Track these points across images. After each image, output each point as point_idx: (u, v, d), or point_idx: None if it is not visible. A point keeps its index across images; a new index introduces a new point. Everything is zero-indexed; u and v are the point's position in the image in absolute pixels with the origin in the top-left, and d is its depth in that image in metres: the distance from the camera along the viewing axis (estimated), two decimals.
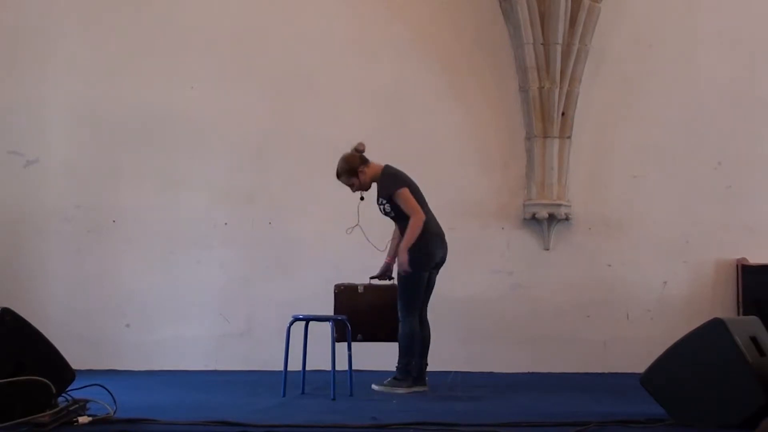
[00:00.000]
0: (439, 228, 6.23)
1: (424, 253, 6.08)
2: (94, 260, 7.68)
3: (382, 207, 6.20)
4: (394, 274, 6.32)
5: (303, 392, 5.97)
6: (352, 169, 6.17)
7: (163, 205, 7.69)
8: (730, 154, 7.80)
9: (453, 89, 7.80)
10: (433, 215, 6.24)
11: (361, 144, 6.22)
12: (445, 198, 7.70)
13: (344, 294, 6.25)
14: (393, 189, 6.09)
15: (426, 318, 6.27)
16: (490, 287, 7.67)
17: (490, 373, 7.42)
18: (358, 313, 6.20)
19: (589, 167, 7.78)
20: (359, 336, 6.18)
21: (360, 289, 6.29)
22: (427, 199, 7.69)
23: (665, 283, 7.73)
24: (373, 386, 6.14)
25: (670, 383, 4.65)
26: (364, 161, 6.20)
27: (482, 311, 7.63)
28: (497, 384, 6.72)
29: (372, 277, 6.35)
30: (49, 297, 7.59)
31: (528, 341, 7.63)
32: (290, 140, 7.74)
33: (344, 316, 6.03)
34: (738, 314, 7.44)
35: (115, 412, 4.53)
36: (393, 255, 6.35)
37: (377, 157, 7.61)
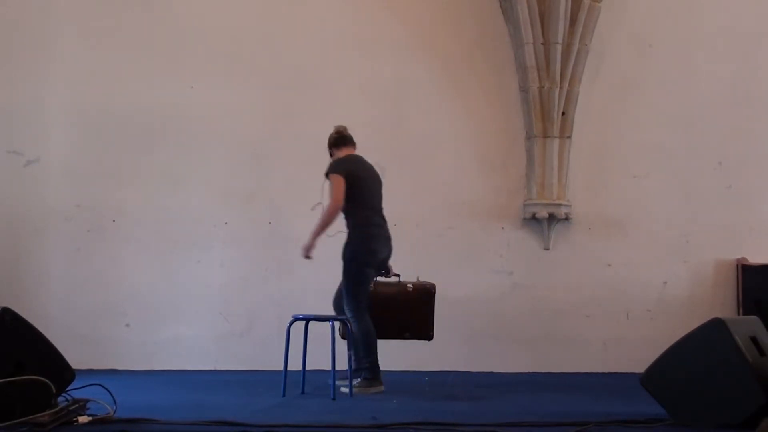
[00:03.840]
0: (382, 229, 6.18)
1: (366, 249, 6.05)
2: (94, 260, 7.67)
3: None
4: (398, 271, 6.35)
5: (303, 392, 5.96)
6: (328, 146, 6.32)
7: (163, 205, 7.69)
8: (730, 154, 7.80)
9: (453, 89, 7.80)
10: (381, 217, 6.20)
11: (338, 126, 6.32)
12: (445, 198, 7.74)
13: None
14: (330, 171, 6.09)
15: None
16: (490, 287, 7.67)
17: (490, 373, 7.43)
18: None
19: (589, 167, 7.78)
20: None
21: (370, 286, 6.27)
22: (426, 199, 7.71)
23: (665, 283, 7.73)
24: (343, 389, 5.95)
25: (670, 383, 4.65)
26: (337, 144, 6.27)
27: (482, 311, 7.63)
28: (497, 384, 6.71)
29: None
30: (49, 297, 7.59)
31: (528, 341, 7.63)
32: (290, 140, 7.74)
33: (345, 317, 6.03)
34: (738, 314, 7.45)
35: (114, 412, 4.53)
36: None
37: (376, 156, 7.63)
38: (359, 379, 6.02)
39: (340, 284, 6.19)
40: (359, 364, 6.04)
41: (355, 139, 6.36)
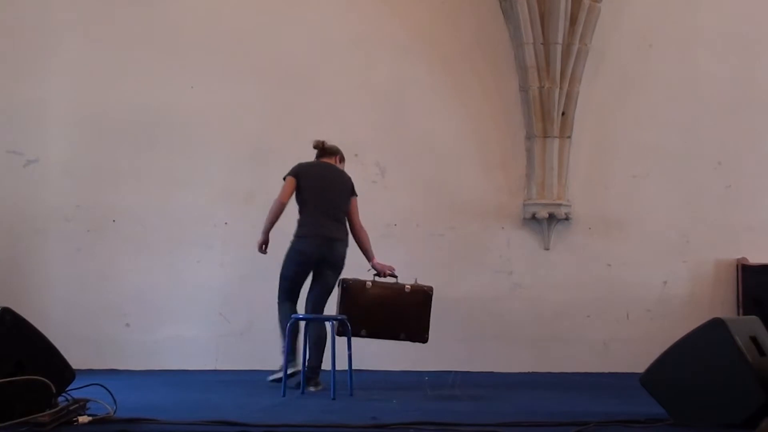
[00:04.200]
0: (321, 229, 6.22)
1: (294, 248, 6.25)
2: (94, 260, 7.67)
3: None
4: (398, 270, 6.36)
5: (303, 392, 5.96)
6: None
7: (163, 205, 7.69)
8: (730, 154, 7.81)
9: (453, 89, 7.80)
10: (328, 218, 6.26)
11: (315, 141, 6.55)
12: (445, 198, 7.74)
13: (352, 289, 6.22)
14: (286, 174, 6.35)
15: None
16: (490, 287, 7.67)
17: (491, 373, 7.42)
18: (364, 309, 6.17)
19: (589, 167, 7.79)
20: (363, 332, 6.16)
21: (368, 285, 6.28)
22: (426, 199, 7.71)
23: (665, 283, 7.73)
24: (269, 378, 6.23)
25: (670, 383, 4.65)
26: (317, 157, 6.54)
27: (482, 311, 7.63)
28: (497, 384, 6.71)
29: (375, 274, 6.35)
30: (49, 297, 7.58)
31: (528, 341, 7.63)
32: (290, 140, 7.72)
33: (344, 316, 6.02)
34: (738, 314, 7.45)
35: (115, 412, 4.53)
36: (371, 255, 6.37)
37: (376, 156, 7.64)
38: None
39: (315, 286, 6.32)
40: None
41: (339, 148, 6.53)
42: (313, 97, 7.75)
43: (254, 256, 7.67)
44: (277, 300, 6.29)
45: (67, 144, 7.75)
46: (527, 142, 7.73)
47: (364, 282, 6.27)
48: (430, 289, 6.32)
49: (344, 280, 6.25)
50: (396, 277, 6.34)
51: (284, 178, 6.31)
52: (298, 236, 6.26)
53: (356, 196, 6.37)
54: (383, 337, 6.29)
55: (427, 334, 6.31)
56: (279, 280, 6.31)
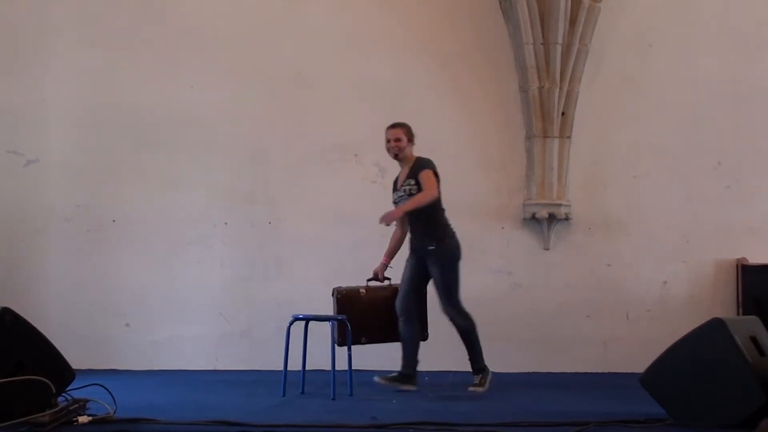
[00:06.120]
0: None
1: (459, 248, 6.30)
2: (94, 260, 7.67)
3: (408, 189, 6.33)
4: (399, 270, 6.36)
5: (303, 392, 5.97)
6: (411, 135, 6.40)
7: (163, 205, 7.69)
8: (730, 154, 7.80)
9: (453, 89, 7.80)
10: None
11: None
12: (445, 198, 7.71)
13: (346, 298, 6.21)
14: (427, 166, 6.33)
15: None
16: (490, 287, 7.66)
17: None
18: (361, 315, 6.16)
19: (589, 167, 7.78)
20: (363, 339, 6.15)
21: (362, 292, 6.27)
22: None
23: (665, 283, 7.73)
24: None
25: (670, 383, 4.65)
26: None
27: (482, 311, 7.57)
28: (497, 384, 6.71)
29: (369, 279, 6.35)
30: (49, 297, 7.59)
31: (528, 341, 7.63)
32: (290, 140, 7.74)
33: (344, 316, 6.02)
34: (738, 314, 7.44)
35: (114, 412, 4.54)
36: (390, 255, 6.37)
37: (376, 156, 7.64)
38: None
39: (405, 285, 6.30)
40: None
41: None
42: (312, 97, 7.75)
43: (254, 256, 7.73)
44: (452, 307, 6.21)
45: (67, 144, 7.75)
46: (527, 142, 7.72)
47: (357, 289, 6.27)
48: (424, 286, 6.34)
49: (337, 290, 6.25)
50: (389, 279, 6.34)
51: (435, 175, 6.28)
52: (453, 235, 6.29)
53: None
54: (384, 340, 6.29)
55: (426, 330, 6.34)
56: (452, 286, 6.21)
